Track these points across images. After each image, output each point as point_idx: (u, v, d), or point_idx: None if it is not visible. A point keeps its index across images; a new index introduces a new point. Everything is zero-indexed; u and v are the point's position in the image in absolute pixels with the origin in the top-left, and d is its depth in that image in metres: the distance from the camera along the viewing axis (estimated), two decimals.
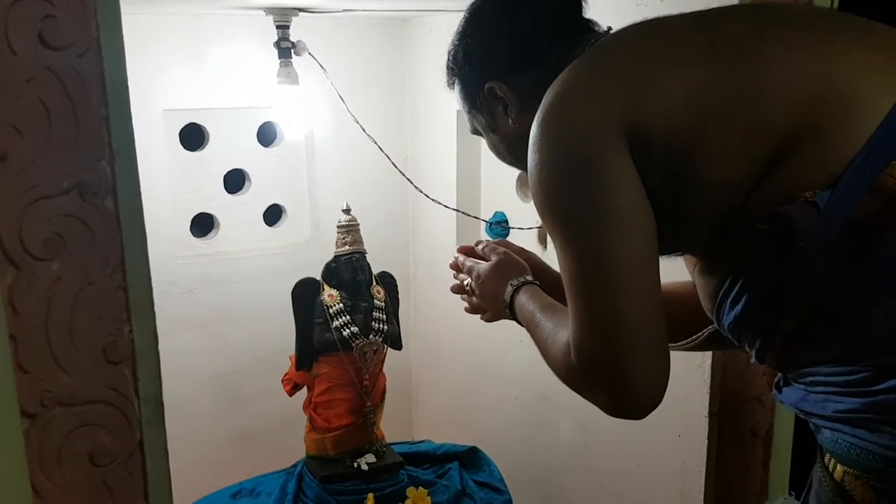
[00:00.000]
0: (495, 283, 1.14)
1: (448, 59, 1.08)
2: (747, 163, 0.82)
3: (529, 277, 1.12)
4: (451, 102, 2.39)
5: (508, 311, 1.11)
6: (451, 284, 1.28)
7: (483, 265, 1.18)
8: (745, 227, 0.83)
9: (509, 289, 1.10)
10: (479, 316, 1.24)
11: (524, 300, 1.07)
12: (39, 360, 0.86)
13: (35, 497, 0.89)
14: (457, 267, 1.25)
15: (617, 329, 0.82)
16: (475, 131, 1.12)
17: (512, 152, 1.06)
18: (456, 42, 1.06)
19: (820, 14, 1.09)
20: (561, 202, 0.86)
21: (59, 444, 0.89)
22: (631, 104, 0.83)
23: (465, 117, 1.12)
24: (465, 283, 1.23)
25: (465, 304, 1.25)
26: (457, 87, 1.09)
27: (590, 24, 1.02)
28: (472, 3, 1.05)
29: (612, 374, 0.83)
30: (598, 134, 0.83)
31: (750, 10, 0.88)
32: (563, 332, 0.90)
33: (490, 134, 1.08)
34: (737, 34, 0.85)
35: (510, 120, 1.02)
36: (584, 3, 1.01)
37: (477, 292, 1.19)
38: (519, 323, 1.09)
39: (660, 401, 0.85)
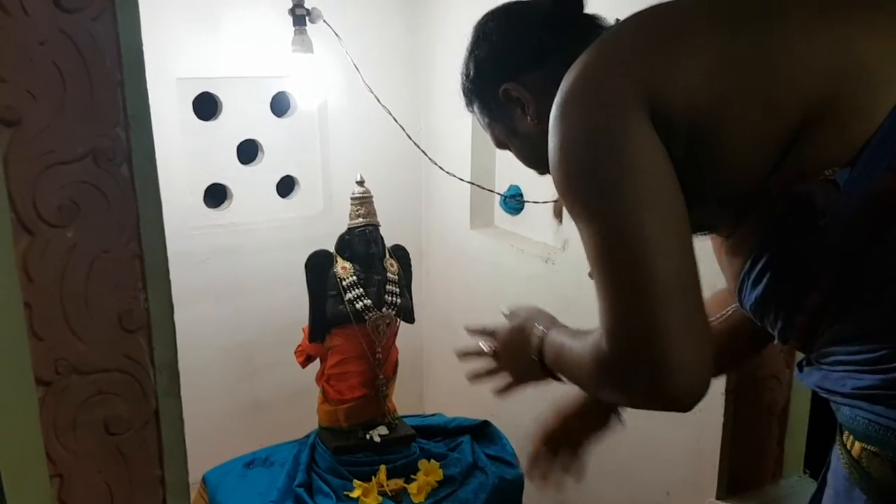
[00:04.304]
0: (522, 333, 1.06)
1: (462, 81, 1.09)
2: (768, 140, 0.80)
3: (558, 322, 1.06)
4: None
5: (537, 357, 1.03)
6: (463, 348, 1.20)
7: (506, 323, 1.12)
8: (766, 206, 0.81)
9: (538, 330, 1.04)
10: (497, 386, 1.17)
11: (553, 336, 1.00)
12: (54, 327, 0.86)
13: (50, 464, 0.89)
14: (474, 331, 1.19)
15: (650, 300, 0.77)
16: (500, 144, 1.10)
17: (536, 153, 1.00)
18: (466, 60, 1.07)
19: None
20: (584, 177, 0.83)
21: (74, 412, 0.89)
22: (651, 82, 0.81)
23: (488, 133, 1.11)
24: (486, 346, 1.15)
25: (480, 372, 1.18)
26: (475, 105, 1.09)
27: (595, 18, 1.02)
28: (476, 22, 1.07)
29: (650, 353, 0.76)
30: (619, 108, 0.81)
31: None
32: (591, 338, 0.85)
33: (513, 140, 1.07)
34: (755, 11, 0.83)
35: (528, 118, 1.01)
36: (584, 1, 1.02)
37: (500, 348, 1.13)
38: (549, 372, 1.02)
39: (705, 384, 0.77)
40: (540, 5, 1.03)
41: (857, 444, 0.79)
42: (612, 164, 0.80)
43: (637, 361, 0.78)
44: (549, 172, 0.97)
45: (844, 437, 0.82)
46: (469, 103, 1.10)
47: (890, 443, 0.75)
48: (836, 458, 0.84)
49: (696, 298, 0.80)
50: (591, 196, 0.82)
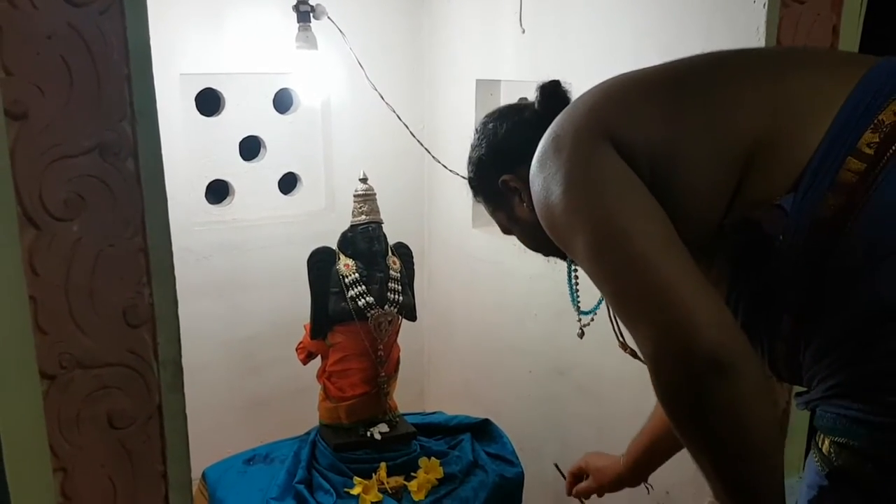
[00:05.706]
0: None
1: (468, 175, 1.23)
2: (718, 169, 0.87)
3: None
4: (470, 70, 2.36)
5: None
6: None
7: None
8: (725, 241, 0.88)
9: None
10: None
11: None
12: (59, 321, 0.86)
13: (53, 458, 0.88)
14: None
15: (660, 287, 0.78)
16: (505, 230, 1.22)
17: (534, 237, 1.13)
18: (470, 157, 1.21)
19: (773, 48, 1.27)
20: (566, 201, 0.88)
21: (78, 407, 0.89)
22: (610, 125, 0.90)
23: (494, 220, 1.23)
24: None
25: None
26: (480, 196, 1.22)
27: None
28: (477, 124, 1.22)
29: (682, 328, 0.77)
30: (585, 142, 0.89)
31: (708, 54, 0.96)
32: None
33: (515, 226, 1.18)
34: (697, 69, 0.94)
35: (525, 204, 1.11)
36: (569, 97, 1.13)
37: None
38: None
39: (737, 335, 0.77)
40: (529, 105, 1.17)
41: (827, 440, 0.86)
42: (586, 177, 0.88)
43: (674, 338, 0.77)
44: (552, 254, 1.16)
45: (817, 437, 0.88)
46: (476, 194, 1.23)
47: (853, 431, 0.82)
48: (810, 457, 0.91)
49: (696, 274, 0.80)
50: (594, 232, 0.86)
